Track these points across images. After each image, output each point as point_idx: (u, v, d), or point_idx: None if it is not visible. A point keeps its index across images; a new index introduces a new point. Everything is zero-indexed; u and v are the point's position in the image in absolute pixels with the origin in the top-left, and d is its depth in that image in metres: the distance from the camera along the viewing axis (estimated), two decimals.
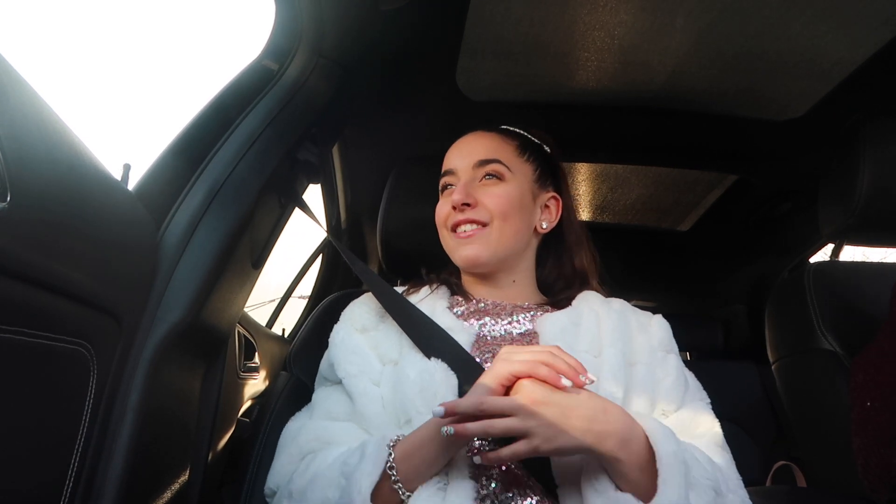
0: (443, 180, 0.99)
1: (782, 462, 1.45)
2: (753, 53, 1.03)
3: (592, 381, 0.69)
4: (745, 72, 1.09)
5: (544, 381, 0.67)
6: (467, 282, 1.01)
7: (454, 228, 0.94)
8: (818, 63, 1.04)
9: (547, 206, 1.00)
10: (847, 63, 1.04)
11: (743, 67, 1.08)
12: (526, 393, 0.67)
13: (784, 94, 1.16)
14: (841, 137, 1.09)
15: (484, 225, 0.92)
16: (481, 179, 0.95)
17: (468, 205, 0.92)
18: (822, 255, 1.92)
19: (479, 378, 0.71)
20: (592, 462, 0.70)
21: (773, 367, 1.31)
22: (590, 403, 0.68)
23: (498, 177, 0.94)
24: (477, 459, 0.69)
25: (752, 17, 0.94)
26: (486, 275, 0.97)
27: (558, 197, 1.01)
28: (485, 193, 0.93)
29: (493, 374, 0.70)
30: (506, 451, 0.67)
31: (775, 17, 0.94)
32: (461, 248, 0.93)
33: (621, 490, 0.68)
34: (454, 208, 0.92)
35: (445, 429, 0.67)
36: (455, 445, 0.71)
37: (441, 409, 0.67)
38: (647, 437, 0.69)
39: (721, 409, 0.91)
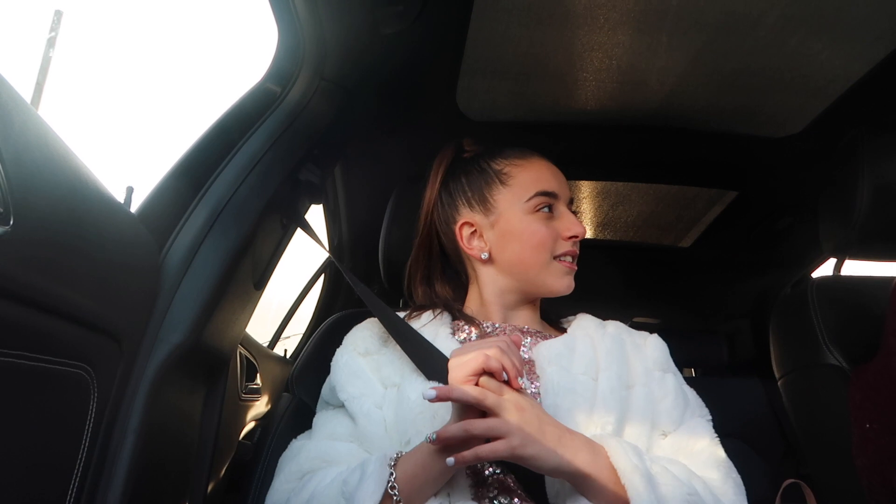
0: (544, 200, 0.94)
1: (791, 480, 1.43)
2: (750, 70, 1.04)
3: (521, 389, 0.72)
4: (742, 89, 1.10)
5: (492, 373, 0.70)
6: (482, 301, 0.98)
7: (558, 255, 0.94)
8: (814, 80, 1.05)
9: None
10: (843, 79, 1.05)
11: (740, 85, 1.09)
12: (509, 397, 0.69)
13: (781, 110, 1.16)
14: (839, 153, 1.10)
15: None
16: None
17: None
18: (826, 268, 1.91)
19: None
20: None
21: (778, 383, 1.29)
22: (557, 424, 0.72)
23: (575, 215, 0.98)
24: (450, 461, 0.67)
25: (747, 36, 0.95)
26: (534, 300, 0.98)
27: None
28: None
29: (456, 379, 0.70)
30: (484, 448, 0.67)
31: (771, 35, 0.95)
32: (566, 277, 0.94)
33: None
34: (571, 237, 0.93)
35: (429, 436, 0.68)
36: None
37: (434, 436, 0.68)
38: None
39: (727, 426, 0.90)
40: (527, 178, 0.95)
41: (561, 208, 0.95)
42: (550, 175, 0.97)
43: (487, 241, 0.95)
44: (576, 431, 0.73)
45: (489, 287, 0.96)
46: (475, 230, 0.96)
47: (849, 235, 1.05)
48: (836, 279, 1.24)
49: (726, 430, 0.87)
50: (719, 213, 1.67)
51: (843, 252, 1.15)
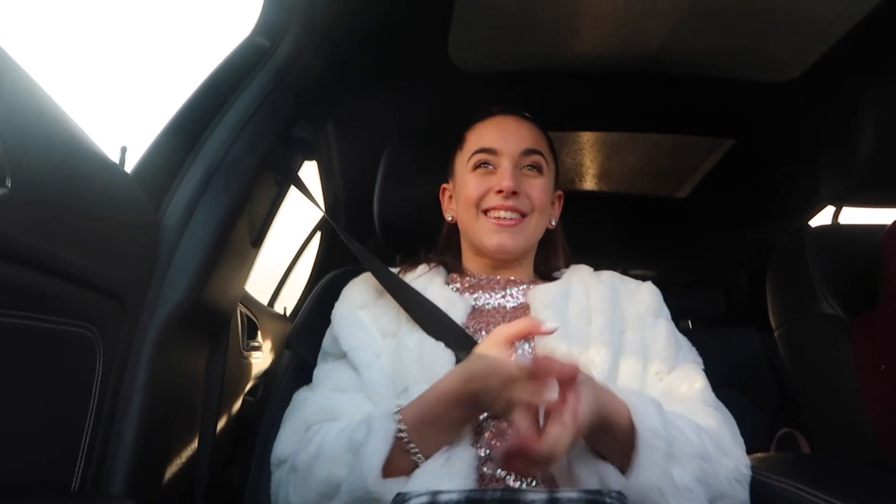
0: (480, 156, 0.96)
1: (786, 429, 1.46)
2: (749, 11, 1.01)
3: None
4: (741, 31, 1.07)
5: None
6: (468, 259, 1.02)
7: (488, 211, 0.93)
8: (816, 20, 1.03)
9: (553, 203, 1.03)
10: (845, 19, 1.02)
11: (739, 26, 1.06)
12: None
13: (781, 53, 1.14)
14: (841, 97, 1.08)
15: (524, 215, 0.93)
16: (523, 169, 0.95)
17: (515, 193, 0.92)
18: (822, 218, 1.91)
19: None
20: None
21: (775, 334, 1.31)
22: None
23: (539, 169, 0.96)
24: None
25: None
26: (500, 260, 0.97)
27: (562, 194, 1.05)
28: (528, 184, 0.94)
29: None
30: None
31: None
32: (495, 235, 0.92)
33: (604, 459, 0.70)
34: (499, 192, 0.91)
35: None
36: (467, 410, 0.72)
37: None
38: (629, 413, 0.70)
39: (723, 377, 0.91)
40: (473, 139, 0.99)
41: (503, 164, 0.94)
42: (495, 131, 0.97)
43: (454, 205, 1.01)
44: (603, 386, 0.71)
45: (466, 246, 1.02)
46: (451, 195, 1.03)
47: (848, 183, 1.04)
48: (835, 227, 1.24)
49: (722, 381, 0.88)
50: (716, 162, 1.66)
51: (842, 200, 1.15)
